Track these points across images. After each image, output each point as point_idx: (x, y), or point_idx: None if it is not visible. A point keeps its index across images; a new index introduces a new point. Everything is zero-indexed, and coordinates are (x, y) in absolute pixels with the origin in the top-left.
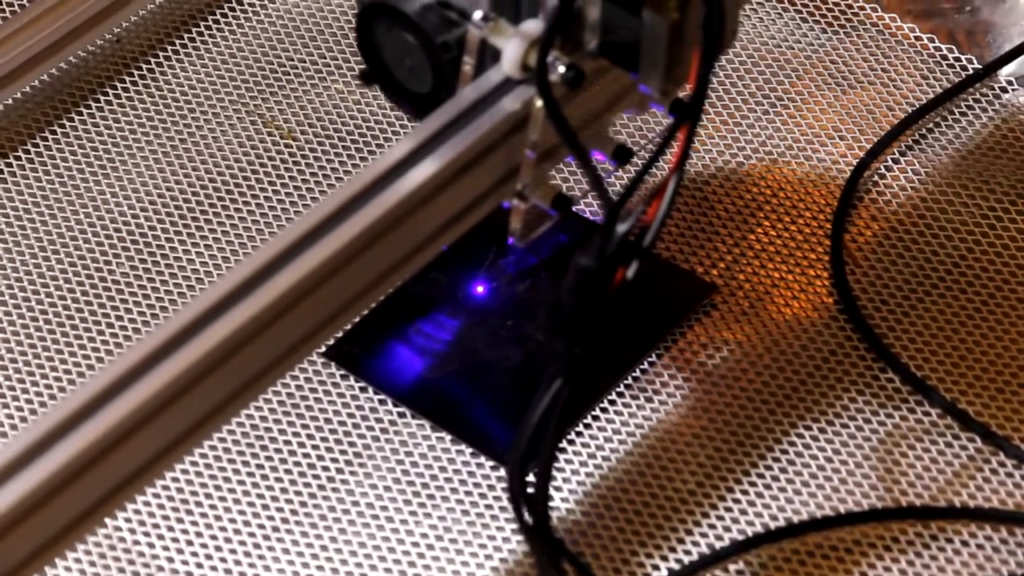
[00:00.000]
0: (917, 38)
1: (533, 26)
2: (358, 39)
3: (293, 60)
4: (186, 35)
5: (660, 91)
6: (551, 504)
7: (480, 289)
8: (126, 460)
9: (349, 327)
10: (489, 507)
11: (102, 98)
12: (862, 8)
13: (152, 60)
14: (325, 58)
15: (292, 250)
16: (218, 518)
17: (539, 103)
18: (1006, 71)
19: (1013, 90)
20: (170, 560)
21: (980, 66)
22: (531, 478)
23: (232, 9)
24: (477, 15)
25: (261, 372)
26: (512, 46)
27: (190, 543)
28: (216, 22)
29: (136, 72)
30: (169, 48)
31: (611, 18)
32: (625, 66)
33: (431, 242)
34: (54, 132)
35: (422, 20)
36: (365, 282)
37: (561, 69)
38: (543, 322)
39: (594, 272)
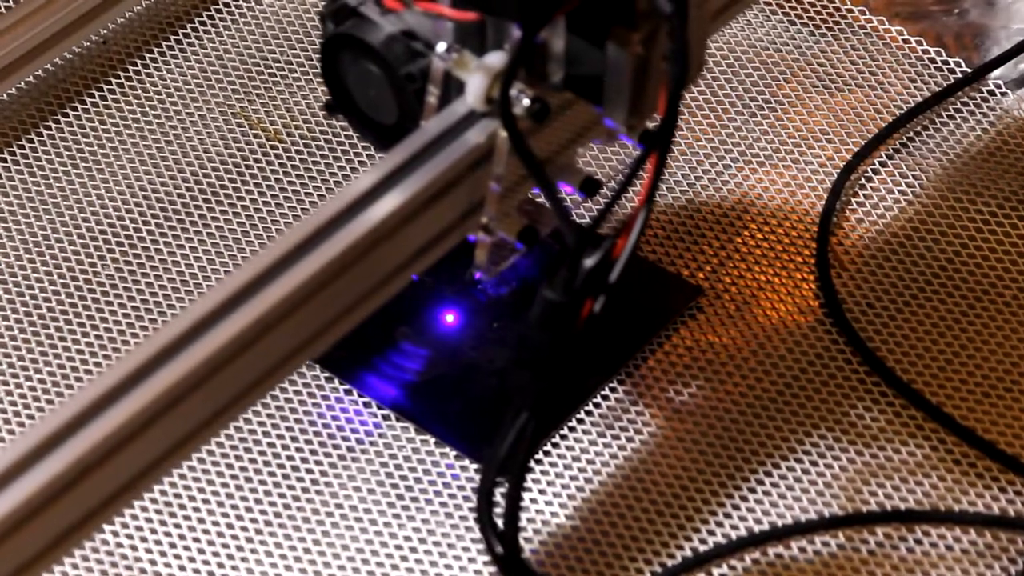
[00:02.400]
0: (905, 41)
1: (497, 58)
2: (323, 69)
3: (280, 61)
4: (172, 37)
5: (625, 125)
6: (528, 517)
7: (450, 318)
8: (113, 475)
9: None
10: (473, 510)
11: (88, 100)
12: (850, 11)
13: (139, 61)
14: (312, 59)
15: (253, 285)
16: (201, 521)
17: (503, 135)
18: (995, 74)
19: (1001, 94)
20: (152, 563)
21: (968, 69)
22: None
23: (219, 11)
24: (441, 47)
25: (218, 410)
26: (476, 79)
27: (173, 545)
28: (203, 23)
29: (123, 73)
30: (155, 49)
31: (576, 51)
32: (590, 99)
33: (396, 276)
34: (40, 134)
35: (387, 51)
36: (328, 316)
37: (526, 102)
38: (511, 354)
39: (560, 306)
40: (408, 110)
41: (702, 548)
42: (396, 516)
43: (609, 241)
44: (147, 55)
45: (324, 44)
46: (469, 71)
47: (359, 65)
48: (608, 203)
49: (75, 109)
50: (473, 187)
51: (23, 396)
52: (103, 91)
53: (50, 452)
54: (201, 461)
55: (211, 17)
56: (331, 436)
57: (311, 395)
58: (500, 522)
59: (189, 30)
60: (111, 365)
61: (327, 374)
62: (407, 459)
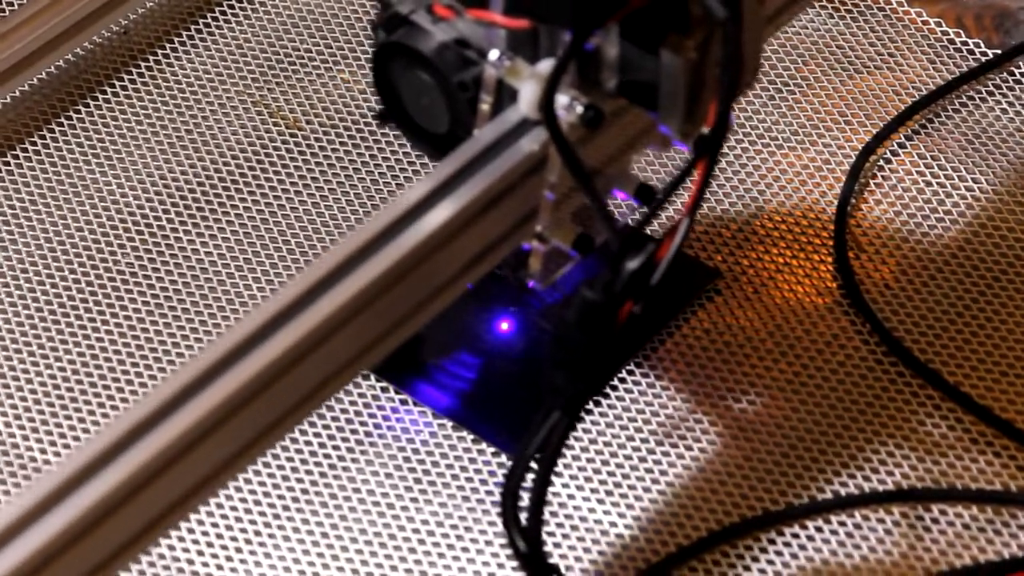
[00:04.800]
0: (924, 22)
1: (550, 66)
2: (374, 78)
3: (299, 50)
4: (192, 26)
5: (680, 131)
6: (548, 507)
7: (505, 326)
8: (165, 489)
9: None
10: (490, 493)
11: (109, 89)
12: None
13: (159, 51)
14: (331, 47)
15: (308, 295)
16: (219, 505)
17: None
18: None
19: (1021, 74)
20: (171, 548)
21: (988, 51)
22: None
23: (239, 0)
24: (494, 55)
25: (270, 425)
26: (528, 87)
27: (191, 531)
28: (223, 12)
29: (143, 63)
30: (176, 39)
31: (629, 58)
32: (645, 106)
33: (450, 286)
34: (61, 124)
35: (439, 59)
36: (382, 327)
37: (580, 109)
38: (546, 352)
39: (599, 307)
40: (461, 119)
41: (717, 529)
42: (413, 500)
43: (652, 245)
44: (167, 45)
45: (376, 53)
46: (522, 79)
47: (411, 74)
48: (653, 207)
49: (96, 99)
50: (527, 195)
51: (43, 384)
52: (123, 81)
53: (101, 470)
54: None
55: (231, 6)
56: (348, 421)
57: None
58: (521, 512)
59: (209, 19)
60: (167, 378)
61: None
62: (424, 443)
